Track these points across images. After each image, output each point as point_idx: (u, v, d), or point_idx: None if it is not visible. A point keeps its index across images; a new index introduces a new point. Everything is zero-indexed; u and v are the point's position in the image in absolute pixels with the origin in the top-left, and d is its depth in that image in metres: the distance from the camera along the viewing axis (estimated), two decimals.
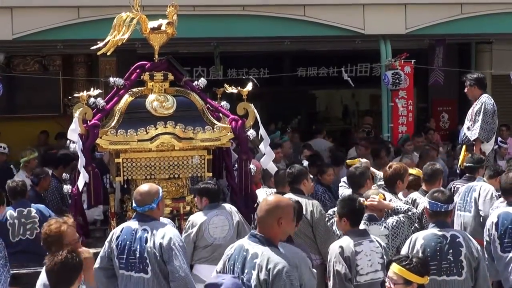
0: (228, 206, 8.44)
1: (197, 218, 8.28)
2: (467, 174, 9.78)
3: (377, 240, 6.77)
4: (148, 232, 6.58)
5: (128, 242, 6.57)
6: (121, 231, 6.69)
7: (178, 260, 6.49)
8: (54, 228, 5.79)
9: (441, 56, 16.81)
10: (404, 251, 6.61)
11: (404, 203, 8.03)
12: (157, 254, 6.51)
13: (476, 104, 10.87)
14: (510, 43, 16.30)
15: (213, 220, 8.21)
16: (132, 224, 6.71)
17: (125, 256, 6.59)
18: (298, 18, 13.78)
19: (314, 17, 13.79)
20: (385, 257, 6.67)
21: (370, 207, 7.42)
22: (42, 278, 5.57)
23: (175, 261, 6.49)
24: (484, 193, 8.99)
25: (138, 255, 6.55)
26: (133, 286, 6.57)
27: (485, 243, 7.58)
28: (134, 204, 6.77)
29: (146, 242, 6.53)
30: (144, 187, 6.83)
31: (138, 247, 6.54)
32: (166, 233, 6.56)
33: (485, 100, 10.79)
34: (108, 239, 6.79)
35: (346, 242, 6.68)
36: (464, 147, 10.91)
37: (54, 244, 5.72)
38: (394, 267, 5.28)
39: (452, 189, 9.51)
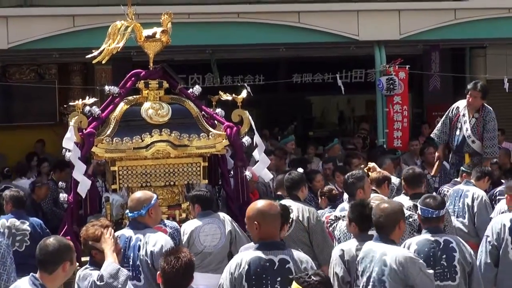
0: (222, 214, 8.44)
1: (188, 225, 8.30)
2: (455, 179, 9.85)
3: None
4: (141, 240, 6.66)
5: (122, 251, 6.58)
6: (117, 239, 6.72)
7: None
8: (91, 233, 5.85)
9: (437, 62, 16.85)
10: None
11: (406, 209, 8.05)
12: (149, 261, 6.58)
13: (482, 118, 11.04)
14: (504, 48, 16.34)
15: (204, 228, 8.20)
16: (126, 232, 6.81)
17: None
18: (293, 25, 13.81)
19: (308, 23, 13.82)
20: None
21: None
22: None
23: None
24: (478, 200, 9.03)
25: (131, 263, 6.62)
26: None
27: (489, 247, 7.56)
28: (127, 210, 6.92)
29: (139, 249, 6.62)
30: (137, 194, 6.99)
31: (132, 254, 6.62)
32: (158, 240, 6.66)
33: (494, 116, 11.02)
34: None
35: (349, 245, 6.73)
36: (467, 155, 11.07)
37: (93, 248, 5.84)
38: (294, 286, 4.96)
39: (439, 193, 9.56)
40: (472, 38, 15.16)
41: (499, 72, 15.40)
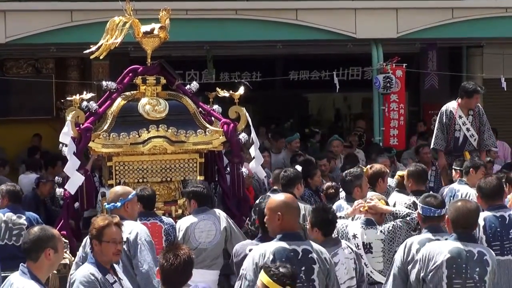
0: (217, 211, 8.45)
1: (184, 222, 8.32)
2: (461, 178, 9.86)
3: (348, 246, 6.75)
4: None
5: None
6: None
7: (142, 254, 6.72)
8: (96, 223, 5.85)
9: (434, 60, 16.87)
10: (399, 255, 6.58)
11: (406, 207, 8.07)
12: (125, 248, 6.73)
13: (477, 113, 11.33)
14: (501, 47, 16.37)
15: (200, 224, 8.22)
16: None
17: None
18: (290, 22, 13.81)
19: (306, 21, 13.83)
20: (357, 262, 6.67)
21: (369, 211, 7.45)
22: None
23: (140, 255, 6.75)
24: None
25: None
26: None
27: None
28: (105, 202, 7.20)
29: None
30: (117, 187, 7.31)
31: None
32: (133, 229, 6.90)
33: (482, 109, 11.25)
34: (82, 244, 7.06)
35: None
36: (467, 153, 11.16)
37: (96, 239, 5.79)
38: (262, 276, 5.05)
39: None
40: (469, 37, 15.19)
41: (495, 71, 15.45)
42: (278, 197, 5.87)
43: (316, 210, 6.85)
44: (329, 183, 9.71)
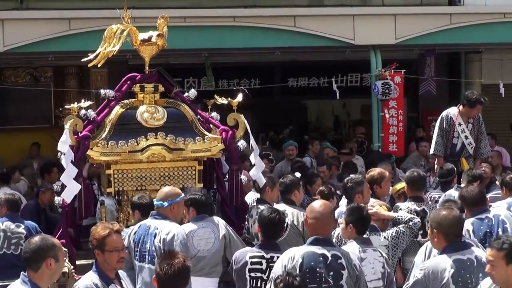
0: (216, 219, 8.40)
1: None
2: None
3: (379, 250, 6.79)
4: (157, 229, 7.24)
5: (142, 237, 7.37)
6: (138, 227, 7.44)
7: None
8: (96, 233, 5.81)
9: (432, 66, 16.87)
10: (419, 259, 6.64)
11: (408, 212, 8.06)
12: (162, 248, 7.09)
13: (476, 121, 11.49)
14: (500, 52, 16.37)
15: (198, 232, 8.17)
16: (148, 221, 7.40)
17: (138, 249, 7.36)
18: (288, 29, 13.84)
19: (304, 28, 13.86)
20: (386, 266, 6.67)
21: (371, 217, 7.44)
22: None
23: None
24: None
25: (148, 248, 7.27)
26: (145, 275, 7.24)
27: None
28: (155, 199, 7.53)
29: (155, 237, 7.22)
30: (167, 188, 7.68)
31: (149, 241, 7.25)
32: (171, 230, 7.25)
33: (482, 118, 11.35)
34: (127, 234, 7.44)
35: (353, 247, 6.63)
36: (463, 159, 11.19)
37: (98, 249, 5.75)
38: None
39: (429, 199, 9.54)
40: (467, 43, 15.21)
41: (494, 77, 15.46)
42: (313, 203, 6.19)
43: (351, 209, 6.98)
44: (321, 188, 9.74)
